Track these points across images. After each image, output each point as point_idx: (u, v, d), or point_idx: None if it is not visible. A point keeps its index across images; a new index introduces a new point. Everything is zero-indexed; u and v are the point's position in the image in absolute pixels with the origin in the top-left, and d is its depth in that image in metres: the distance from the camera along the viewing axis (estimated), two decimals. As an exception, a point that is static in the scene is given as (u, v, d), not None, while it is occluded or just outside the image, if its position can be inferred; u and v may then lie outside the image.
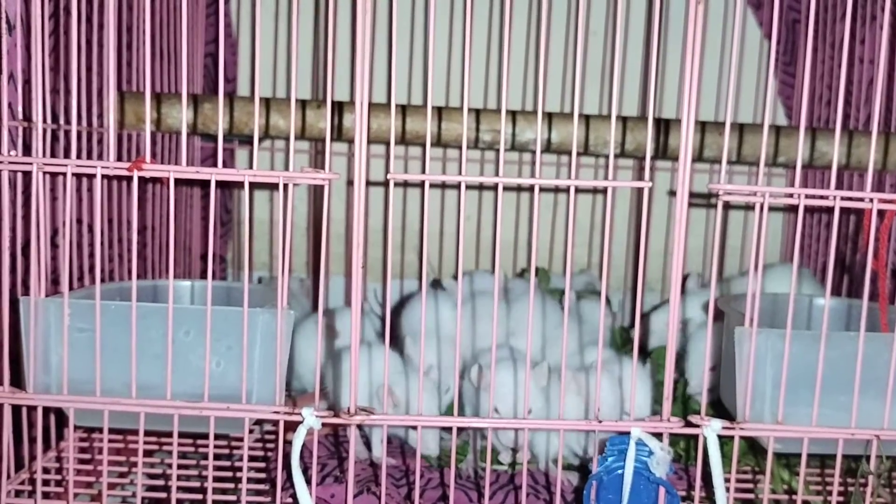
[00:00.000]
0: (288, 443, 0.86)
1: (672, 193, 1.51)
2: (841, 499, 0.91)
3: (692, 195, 0.82)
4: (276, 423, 1.05)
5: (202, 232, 1.50)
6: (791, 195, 0.84)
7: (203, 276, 1.50)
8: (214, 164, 1.47)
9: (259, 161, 0.84)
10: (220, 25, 0.82)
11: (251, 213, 0.83)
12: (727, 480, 0.86)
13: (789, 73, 1.52)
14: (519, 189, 1.56)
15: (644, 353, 1.22)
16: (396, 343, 1.13)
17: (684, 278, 1.27)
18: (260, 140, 0.86)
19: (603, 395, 0.93)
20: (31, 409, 0.90)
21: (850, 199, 0.84)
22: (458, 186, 0.84)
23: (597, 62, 1.53)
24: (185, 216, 1.45)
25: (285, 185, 0.82)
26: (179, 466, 0.91)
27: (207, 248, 1.50)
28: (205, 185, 1.49)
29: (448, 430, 0.96)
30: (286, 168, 0.83)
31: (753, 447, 1.06)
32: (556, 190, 1.55)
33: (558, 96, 1.52)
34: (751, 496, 0.98)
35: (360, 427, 1.01)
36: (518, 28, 1.50)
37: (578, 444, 1.01)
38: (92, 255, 1.05)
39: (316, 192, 1.55)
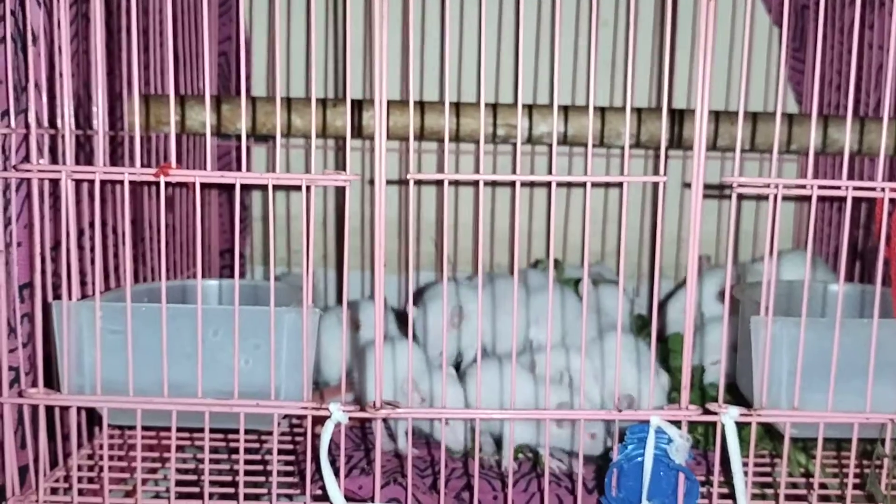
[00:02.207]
0: (316, 436, 0.88)
1: (686, 185, 1.53)
2: (857, 481, 0.92)
3: (705, 186, 0.83)
4: (303, 417, 1.08)
5: (220, 228, 1.53)
6: (804, 186, 0.85)
7: (223, 271, 1.52)
8: (230, 162, 1.51)
9: (277, 159, 0.86)
10: (240, 25, 0.84)
11: (273, 211, 0.85)
12: (745, 465, 0.88)
13: (799, 59, 1.53)
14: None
15: (660, 341, 1.24)
16: (417, 338, 1.15)
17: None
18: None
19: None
20: (64, 409, 0.93)
21: (862, 188, 0.85)
22: (474, 183, 0.85)
23: (607, 52, 1.54)
24: (203, 213, 1.47)
25: (307, 188, 0.84)
26: (211, 461, 0.94)
27: (226, 244, 1.52)
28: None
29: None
30: (306, 166, 0.85)
31: (770, 431, 1.08)
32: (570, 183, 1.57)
33: (568, 87, 1.54)
34: (768, 479, 1.00)
35: (385, 420, 1.03)
36: (525, 20, 1.52)
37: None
38: (117, 256, 1.08)
39: (335, 190, 1.57)
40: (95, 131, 0.90)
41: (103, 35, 0.96)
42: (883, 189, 0.85)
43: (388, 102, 0.85)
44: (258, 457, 1.06)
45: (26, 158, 0.88)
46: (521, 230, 1.58)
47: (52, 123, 0.92)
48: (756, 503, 0.93)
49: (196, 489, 0.94)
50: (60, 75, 0.88)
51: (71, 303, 0.88)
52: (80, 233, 0.97)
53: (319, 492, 0.89)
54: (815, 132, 0.85)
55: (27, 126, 0.87)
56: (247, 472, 0.95)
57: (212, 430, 0.89)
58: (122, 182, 0.86)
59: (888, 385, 0.88)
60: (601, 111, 1.29)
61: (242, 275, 1.58)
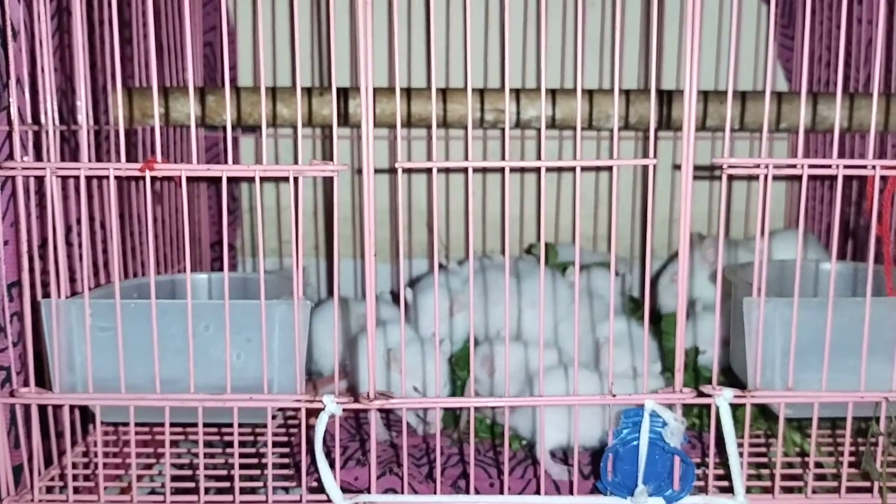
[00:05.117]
0: (310, 428, 0.88)
1: (677, 167, 1.52)
2: (852, 459, 0.93)
3: (695, 167, 0.83)
4: (297, 409, 1.08)
5: (210, 220, 1.52)
6: (794, 165, 0.85)
7: (214, 263, 1.51)
8: (218, 154, 1.50)
9: (265, 149, 0.85)
10: (224, 15, 0.83)
11: (262, 203, 0.84)
12: (740, 445, 0.88)
13: (787, 36, 1.52)
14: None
15: (653, 322, 1.24)
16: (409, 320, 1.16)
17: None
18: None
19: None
20: (57, 407, 0.92)
21: (852, 166, 0.85)
22: (463, 170, 0.85)
23: (594, 33, 1.53)
24: (193, 205, 1.46)
25: (295, 179, 0.84)
26: (206, 455, 0.93)
27: (216, 235, 1.51)
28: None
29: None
30: (294, 156, 0.84)
31: (765, 411, 1.08)
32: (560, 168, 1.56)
33: (557, 70, 1.53)
34: (764, 460, 1.00)
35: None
36: (511, 3, 1.50)
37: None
38: (106, 252, 1.07)
39: (323, 179, 1.56)
40: (80, 126, 0.89)
41: (85, 28, 0.95)
42: (874, 167, 0.84)
43: (375, 90, 0.84)
44: (253, 450, 1.06)
45: (10, 156, 0.87)
46: (513, 215, 1.57)
47: (36, 119, 0.91)
48: (752, 484, 0.94)
49: (191, 484, 0.94)
50: (42, 70, 0.87)
51: (60, 301, 0.88)
52: (68, 229, 0.96)
53: (315, 484, 0.89)
54: (805, 110, 0.84)
55: (10, 123, 0.86)
56: (242, 466, 0.95)
57: (206, 424, 0.89)
58: (108, 177, 0.85)
59: (882, 363, 0.88)
60: (589, 94, 1.28)
61: (234, 267, 1.57)
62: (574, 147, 0.85)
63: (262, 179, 0.85)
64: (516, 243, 1.58)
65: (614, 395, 0.87)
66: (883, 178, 0.86)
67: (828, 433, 1.04)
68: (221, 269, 0.98)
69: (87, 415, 1.01)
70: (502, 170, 0.84)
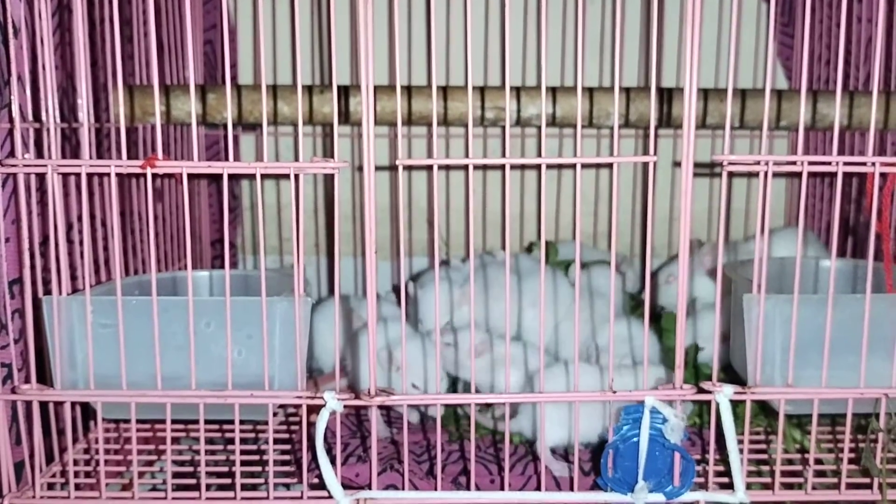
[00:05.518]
0: (311, 425, 0.88)
1: (677, 164, 1.52)
2: (852, 455, 0.93)
3: (696, 165, 0.83)
4: (298, 405, 1.08)
5: (211, 218, 1.52)
6: (794, 163, 0.85)
7: (214, 261, 1.51)
8: (219, 152, 1.50)
9: (265, 147, 0.85)
10: (224, 13, 0.83)
11: (263, 200, 0.84)
12: (740, 442, 0.89)
13: (788, 34, 1.52)
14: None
15: (653, 319, 1.24)
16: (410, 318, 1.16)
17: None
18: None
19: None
20: (58, 404, 0.92)
21: (852, 163, 0.85)
22: (464, 167, 0.85)
23: (595, 31, 1.53)
24: (194, 203, 1.46)
25: (296, 176, 0.84)
26: (207, 452, 0.93)
27: (217, 233, 1.52)
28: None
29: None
30: (295, 154, 0.84)
31: (765, 408, 1.08)
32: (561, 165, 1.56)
33: (557, 68, 1.53)
34: (764, 456, 1.01)
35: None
36: (512, 1, 1.50)
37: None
38: (107, 249, 1.07)
39: (324, 176, 1.56)
40: (81, 124, 0.90)
41: (86, 26, 0.95)
42: (873, 164, 0.84)
43: (375, 88, 0.84)
44: (254, 446, 1.06)
45: (11, 153, 0.88)
46: (513, 213, 1.57)
47: (37, 117, 0.91)
48: (752, 480, 0.94)
49: (192, 480, 0.94)
50: (44, 68, 0.87)
51: (61, 297, 0.88)
52: (69, 226, 0.96)
53: (316, 480, 0.89)
54: (805, 108, 0.84)
55: (11, 120, 0.86)
56: (243, 463, 0.95)
57: (207, 421, 0.89)
58: (109, 175, 0.85)
59: (881, 360, 0.88)
60: (590, 91, 1.28)
61: (235, 264, 1.57)
62: (574, 145, 0.85)
63: (263, 177, 0.85)
64: (517, 240, 1.58)
65: (614, 392, 0.87)
66: (882, 175, 0.86)
67: (828, 430, 1.04)
68: (222, 267, 0.98)
69: (88, 411, 1.01)
70: (503, 167, 0.84)
